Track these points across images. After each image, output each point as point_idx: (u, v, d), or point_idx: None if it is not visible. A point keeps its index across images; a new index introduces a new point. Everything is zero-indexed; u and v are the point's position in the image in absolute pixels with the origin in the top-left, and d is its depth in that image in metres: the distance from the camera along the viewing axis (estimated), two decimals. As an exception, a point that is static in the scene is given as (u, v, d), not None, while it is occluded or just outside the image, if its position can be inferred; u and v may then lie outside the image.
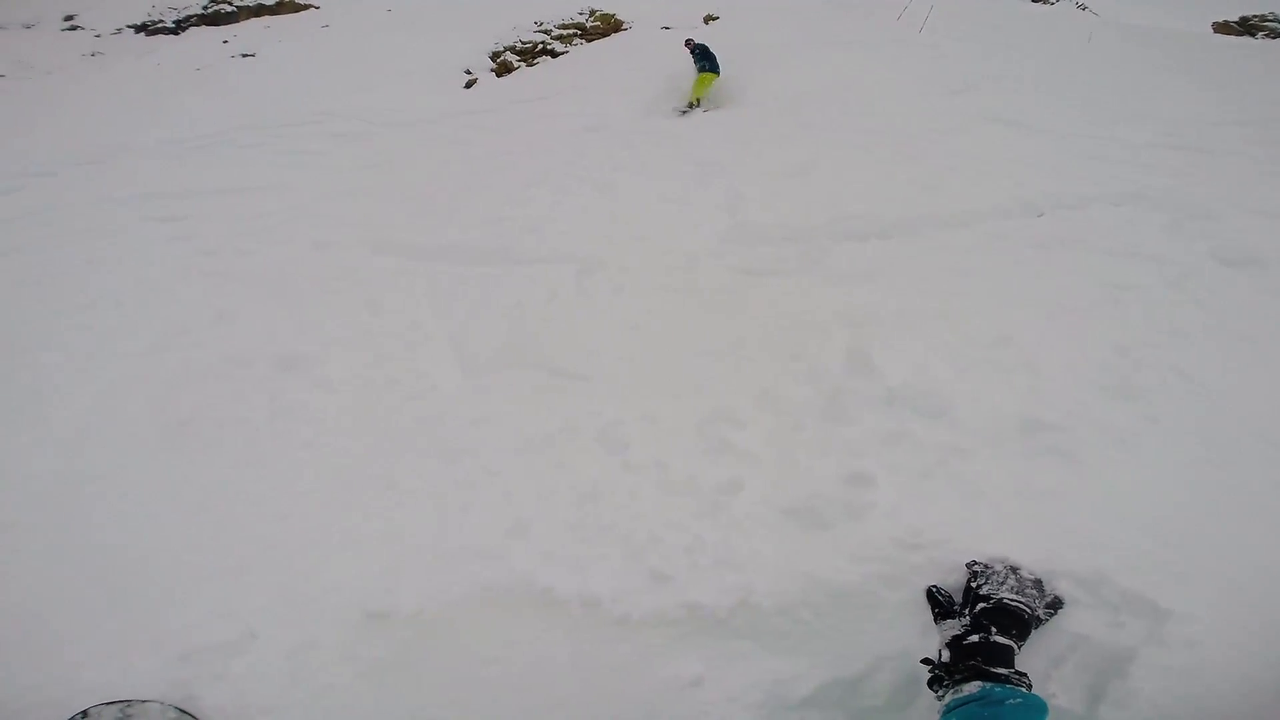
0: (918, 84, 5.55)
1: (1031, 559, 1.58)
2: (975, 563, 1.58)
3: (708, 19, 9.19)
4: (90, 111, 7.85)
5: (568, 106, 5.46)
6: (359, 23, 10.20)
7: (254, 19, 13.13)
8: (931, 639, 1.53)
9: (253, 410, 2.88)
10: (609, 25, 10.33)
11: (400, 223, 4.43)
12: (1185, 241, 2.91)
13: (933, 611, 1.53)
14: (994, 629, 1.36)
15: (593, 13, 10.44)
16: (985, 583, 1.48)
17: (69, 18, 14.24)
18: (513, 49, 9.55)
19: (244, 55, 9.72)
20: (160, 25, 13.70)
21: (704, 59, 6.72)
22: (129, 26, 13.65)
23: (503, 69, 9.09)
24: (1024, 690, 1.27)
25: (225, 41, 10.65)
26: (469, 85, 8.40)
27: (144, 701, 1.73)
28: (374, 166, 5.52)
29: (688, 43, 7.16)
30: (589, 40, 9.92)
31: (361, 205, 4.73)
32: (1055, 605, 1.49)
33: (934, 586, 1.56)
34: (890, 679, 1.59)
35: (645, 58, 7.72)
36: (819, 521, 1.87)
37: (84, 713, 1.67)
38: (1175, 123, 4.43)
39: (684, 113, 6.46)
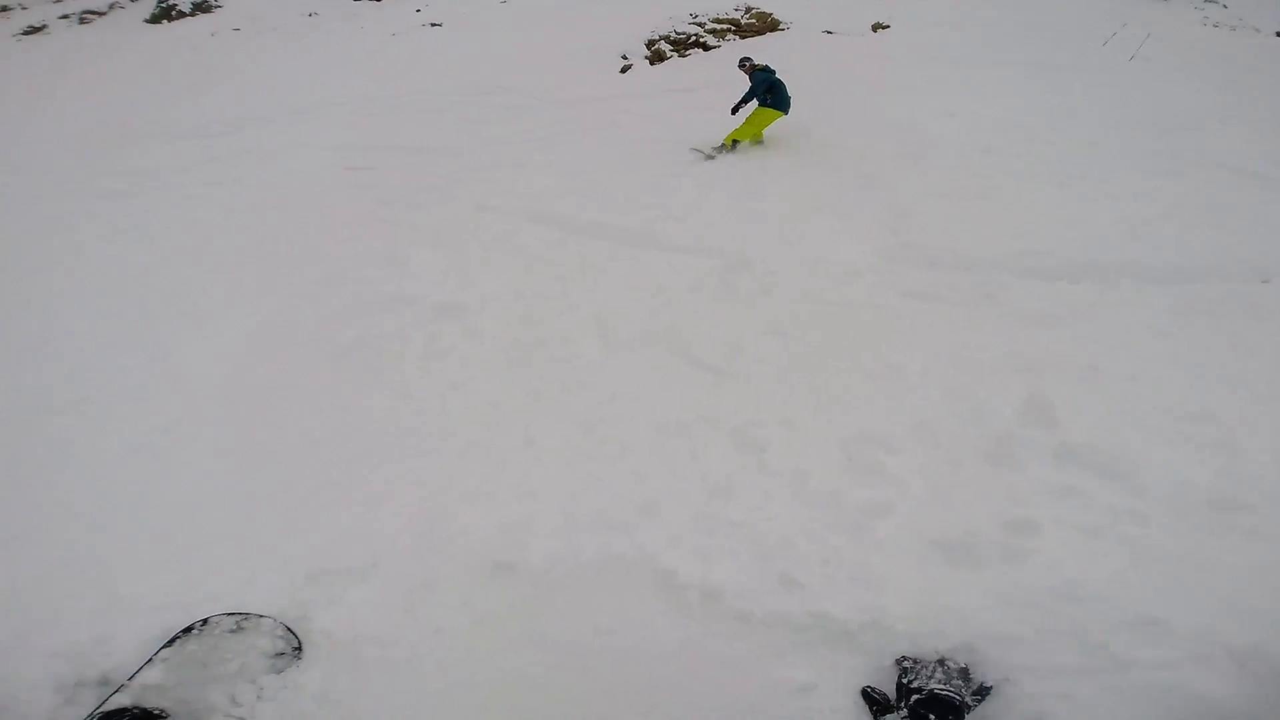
0: (1125, 117, 4.92)
1: (1191, 626, 1.55)
2: (904, 658, 1.60)
3: (876, 28, 8.67)
4: (304, 66, 8.99)
5: (716, 100, 5.39)
6: (535, 1, 10.77)
7: (444, -10, 14.23)
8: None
9: (410, 347, 3.14)
10: (765, 24, 10.11)
11: (555, 195, 4.65)
12: None
13: (870, 710, 1.57)
14: (931, 717, 1.43)
15: (749, 9, 10.27)
16: (915, 677, 1.53)
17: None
18: (667, 39, 9.65)
19: (433, 24, 10.66)
20: (366, -10, 15.25)
21: (770, 90, 5.16)
22: (341, -11, 15.35)
23: (656, 57, 9.21)
24: None
25: (418, 10, 11.72)
26: (624, 70, 8.60)
27: (260, 616, 1.84)
28: (535, 140, 5.82)
29: (744, 64, 5.38)
30: (742, 37, 9.77)
31: (522, 175, 5.01)
32: (982, 692, 1.51)
33: (868, 686, 1.58)
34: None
35: (798, 59, 7.49)
36: (971, 559, 1.82)
37: (205, 620, 1.81)
38: None
39: (709, 158, 5.18)
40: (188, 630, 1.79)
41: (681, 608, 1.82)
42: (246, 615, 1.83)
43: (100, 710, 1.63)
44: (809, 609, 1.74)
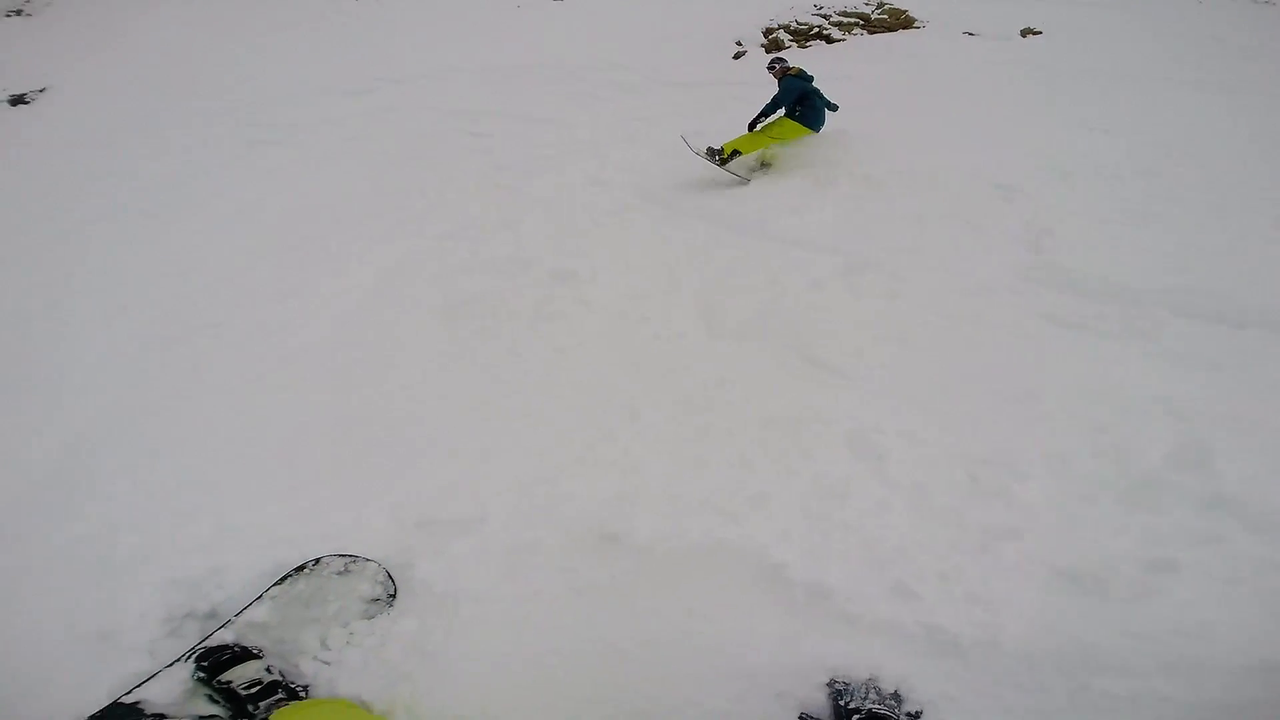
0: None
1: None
2: (835, 680, 1.60)
3: (1026, 33, 7.97)
4: (435, 33, 9.45)
5: (831, 94, 5.16)
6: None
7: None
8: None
9: (522, 308, 3.24)
10: (897, 20, 9.55)
11: (662, 175, 4.65)
12: None
13: None
14: None
15: (880, 4, 9.76)
16: (850, 699, 1.54)
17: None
18: (787, 28, 9.35)
19: (555, -1, 10.93)
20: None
21: (800, 100, 4.42)
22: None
23: (773, 46, 8.94)
24: None
25: (543, -16, 12.09)
26: (737, 56, 8.44)
27: (367, 560, 1.84)
28: (645, 119, 5.84)
29: (774, 65, 4.61)
30: (871, 32, 9.31)
31: (633, 152, 5.05)
32: (916, 716, 1.52)
33: (804, 714, 1.57)
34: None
35: (931, 59, 7.03)
36: (1099, 591, 1.75)
37: (317, 560, 1.79)
38: None
39: (696, 153, 4.51)
40: (300, 569, 1.77)
41: (786, 603, 1.79)
42: (354, 558, 1.83)
43: (202, 645, 1.63)
44: (921, 620, 1.68)
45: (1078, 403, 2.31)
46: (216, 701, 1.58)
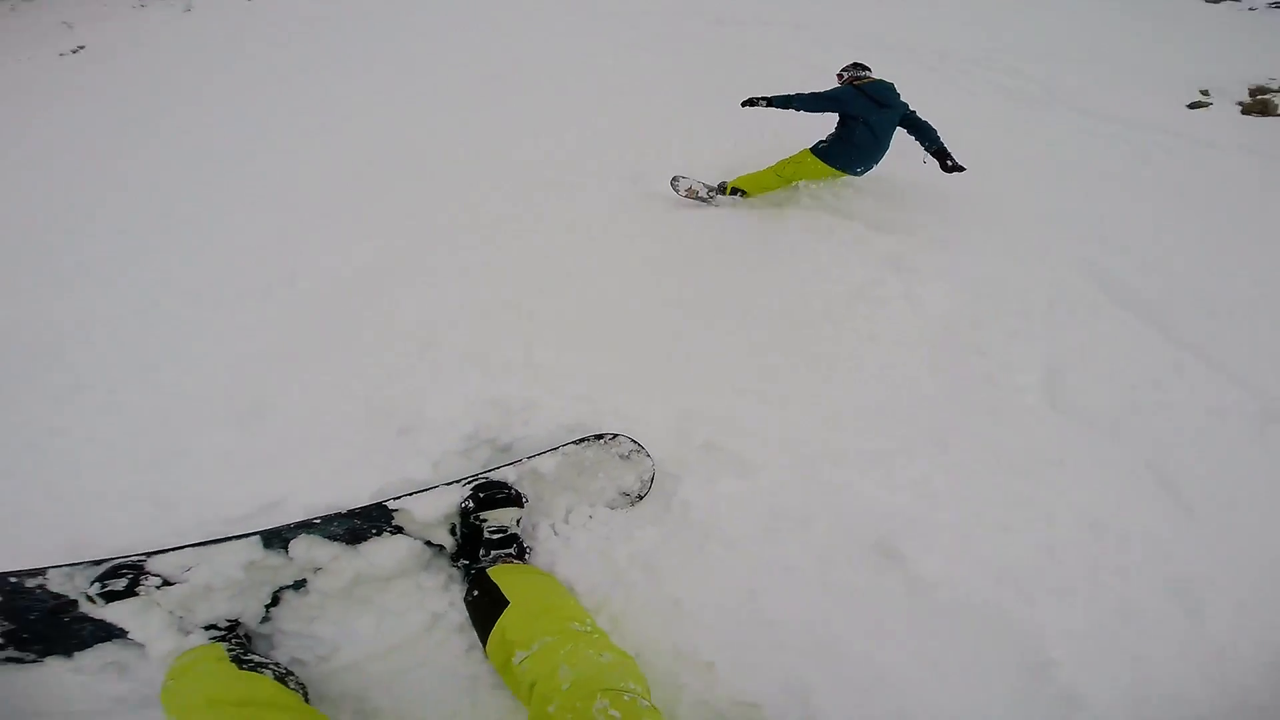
0: None
1: None
2: None
3: None
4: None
5: None
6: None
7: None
8: None
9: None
10: None
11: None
12: None
13: None
14: None
15: None
16: None
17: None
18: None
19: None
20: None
21: (846, 124, 3.20)
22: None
23: (1259, 107, 6.32)
24: None
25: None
26: (1194, 105, 6.53)
27: (647, 455, 1.79)
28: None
29: (850, 74, 3.38)
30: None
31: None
32: None
33: None
34: None
35: None
36: None
37: (614, 435, 1.76)
38: None
39: (699, 197, 3.56)
40: (599, 437, 1.73)
41: (1030, 699, 1.53)
42: (641, 449, 1.77)
43: (484, 475, 1.62)
44: None
45: None
46: (452, 532, 1.60)
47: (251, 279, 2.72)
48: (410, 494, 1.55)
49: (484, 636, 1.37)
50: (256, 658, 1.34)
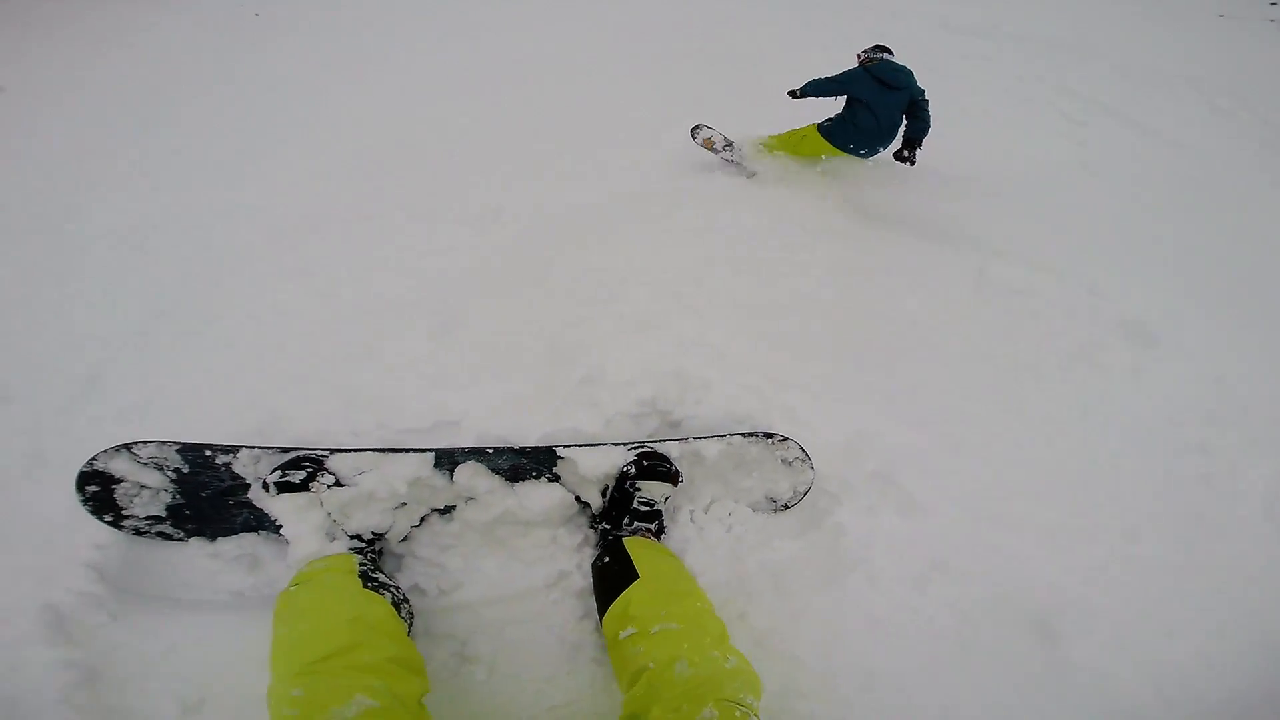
0: None
1: None
2: None
3: None
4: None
5: None
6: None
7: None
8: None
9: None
10: None
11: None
12: None
13: None
14: None
15: None
16: None
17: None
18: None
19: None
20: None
21: (851, 107, 3.16)
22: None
23: None
24: None
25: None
26: None
27: (811, 467, 1.70)
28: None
29: (866, 54, 3.24)
30: None
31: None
32: None
33: None
34: None
35: None
36: None
37: (784, 438, 1.68)
38: None
39: (726, 156, 3.53)
40: (768, 436, 1.66)
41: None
42: (807, 458, 1.68)
43: (651, 443, 1.61)
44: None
45: None
46: (603, 493, 1.58)
47: (469, 208, 2.94)
48: (580, 445, 1.54)
49: (604, 605, 1.31)
50: (382, 577, 1.31)
